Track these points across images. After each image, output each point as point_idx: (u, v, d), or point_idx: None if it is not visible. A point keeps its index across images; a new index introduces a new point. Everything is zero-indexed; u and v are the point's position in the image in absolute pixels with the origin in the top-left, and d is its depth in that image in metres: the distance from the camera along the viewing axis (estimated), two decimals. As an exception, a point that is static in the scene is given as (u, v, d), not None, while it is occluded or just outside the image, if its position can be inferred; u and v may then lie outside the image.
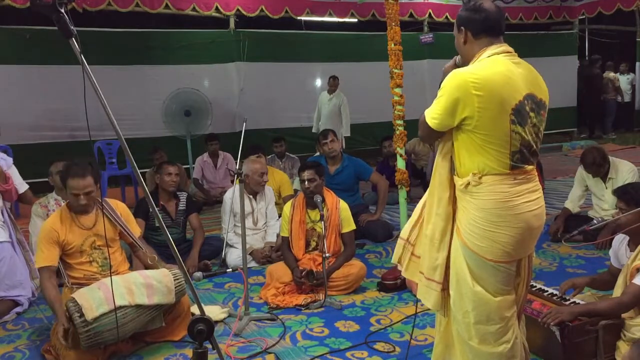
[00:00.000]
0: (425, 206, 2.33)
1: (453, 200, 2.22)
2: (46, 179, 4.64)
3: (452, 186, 2.21)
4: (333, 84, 8.41)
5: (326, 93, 8.50)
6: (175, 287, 3.12)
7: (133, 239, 3.43)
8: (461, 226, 2.17)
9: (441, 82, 2.21)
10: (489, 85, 2.02)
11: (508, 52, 2.15)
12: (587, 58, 13.10)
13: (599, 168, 4.78)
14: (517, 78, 2.09)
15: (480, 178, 2.09)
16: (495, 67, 2.08)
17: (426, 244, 2.26)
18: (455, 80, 2.07)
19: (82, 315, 2.81)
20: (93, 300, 2.86)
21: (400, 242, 2.43)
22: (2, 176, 3.77)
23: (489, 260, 2.13)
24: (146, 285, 3.04)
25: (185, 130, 7.61)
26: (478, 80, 2.02)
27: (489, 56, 2.12)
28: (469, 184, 2.11)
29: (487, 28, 2.15)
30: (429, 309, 3.53)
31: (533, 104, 2.11)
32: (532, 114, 2.11)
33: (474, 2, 2.19)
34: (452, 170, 2.21)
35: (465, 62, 2.24)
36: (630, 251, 2.86)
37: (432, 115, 2.14)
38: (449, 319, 2.33)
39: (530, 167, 2.15)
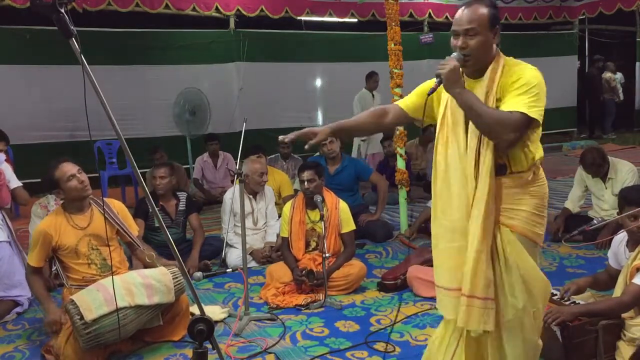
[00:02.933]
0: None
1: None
2: (46, 179, 4.63)
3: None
4: (377, 79, 7.92)
5: (367, 91, 8.03)
6: (174, 286, 3.12)
7: (131, 237, 3.42)
8: (517, 222, 2.12)
9: (446, 81, 2.05)
10: None
11: None
12: (587, 58, 13.12)
13: (599, 168, 4.78)
14: None
15: (541, 164, 2.19)
16: None
17: (478, 262, 2.09)
18: (540, 76, 2.09)
19: (82, 317, 2.81)
20: (92, 302, 2.86)
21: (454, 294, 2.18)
22: None
23: (540, 247, 2.21)
24: (145, 285, 3.03)
25: (188, 129, 7.61)
26: None
27: (505, 58, 2.17)
28: (534, 173, 2.15)
29: None
30: (429, 309, 3.56)
31: None
32: None
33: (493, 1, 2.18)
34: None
35: (482, 63, 2.12)
36: (630, 251, 2.86)
37: (541, 112, 2.05)
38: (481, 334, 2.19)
39: None
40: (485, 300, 2.08)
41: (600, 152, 4.85)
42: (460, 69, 2.10)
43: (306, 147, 2.24)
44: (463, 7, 2.13)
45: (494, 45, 2.13)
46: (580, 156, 4.95)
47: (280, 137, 2.23)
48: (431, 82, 2.22)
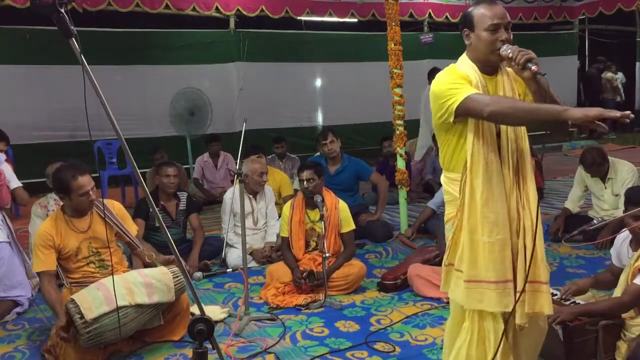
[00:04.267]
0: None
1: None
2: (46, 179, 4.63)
3: None
4: None
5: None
6: (174, 285, 3.12)
7: (130, 237, 3.42)
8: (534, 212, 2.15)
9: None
10: None
11: None
12: (587, 58, 13.13)
13: (599, 168, 4.78)
14: None
15: None
16: None
17: (539, 249, 2.14)
18: None
19: (82, 316, 2.81)
20: (92, 301, 2.86)
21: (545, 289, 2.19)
22: None
23: None
24: (145, 284, 3.04)
25: (188, 130, 7.61)
26: None
27: None
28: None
29: None
30: (429, 309, 3.56)
31: None
32: None
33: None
34: None
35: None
36: (633, 251, 2.85)
37: None
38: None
39: None
40: (546, 284, 2.13)
41: (600, 151, 4.85)
42: (475, 64, 2.15)
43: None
44: (489, 4, 2.12)
45: None
46: (580, 156, 4.95)
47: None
48: (457, 72, 2.16)
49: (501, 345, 2.14)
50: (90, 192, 3.20)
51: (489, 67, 2.16)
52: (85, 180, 3.19)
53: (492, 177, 2.12)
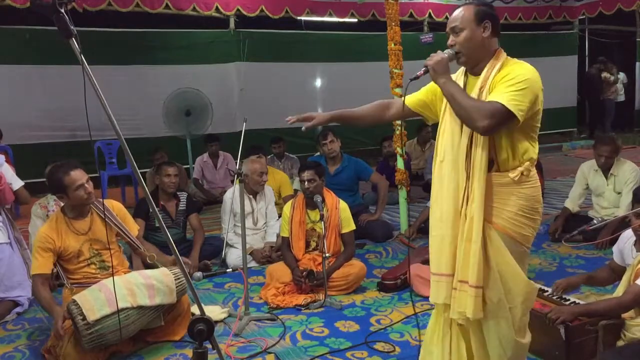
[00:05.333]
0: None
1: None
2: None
3: None
4: None
5: None
6: (176, 287, 3.12)
7: (131, 238, 3.42)
8: (500, 220, 2.15)
9: (432, 71, 2.16)
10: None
11: None
12: (587, 58, 13.12)
13: (612, 152, 4.76)
14: None
15: (531, 166, 2.19)
16: None
17: (472, 251, 2.13)
18: (534, 74, 2.11)
19: (84, 318, 2.81)
20: (94, 302, 2.86)
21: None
22: None
23: (527, 248, 2.24)
24: (147, 285, 3.04)
25: (186, 130, 7.61)
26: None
27: (507, 57, 2.21)
28: (522, 174, 2.15)
29: (499, 29, 2.22)
30: (429, 309, 3.56)
31: None
32: None
33: (489, 2, 2.25)
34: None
35: (473, 58, 2.19)
36: (637, 251, 2.85)
37: (521, 108, 2.03)
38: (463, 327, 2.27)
39: None
40: (477, 288, 2.14)
41: (617, 140, 4.92)
42: (463, 66, 2.25)
43: (303, 129, 2.28)
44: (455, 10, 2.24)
45: (488, 41, 2.19)
46: (596, 138, 5.03)
47: (287, 118, 2.31)
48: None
49: (453, 339, 2.28)
50: (86, 185, 3.19)
51: (473, 68, 2.24)
52: (78, 174, 3.18)
53: (444, 174, 2.21)
